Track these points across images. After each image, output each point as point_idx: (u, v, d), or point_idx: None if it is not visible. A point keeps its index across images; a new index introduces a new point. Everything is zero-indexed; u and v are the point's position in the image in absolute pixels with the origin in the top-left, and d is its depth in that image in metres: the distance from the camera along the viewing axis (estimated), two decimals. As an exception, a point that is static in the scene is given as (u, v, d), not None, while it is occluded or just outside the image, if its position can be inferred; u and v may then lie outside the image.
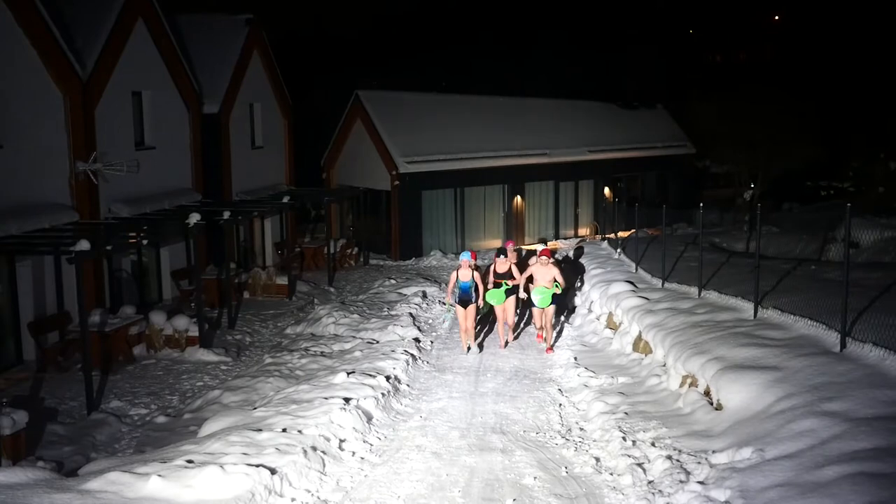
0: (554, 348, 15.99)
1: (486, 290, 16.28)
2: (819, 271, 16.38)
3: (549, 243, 31.11)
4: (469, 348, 16.07)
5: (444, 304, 16.64)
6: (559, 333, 17.29)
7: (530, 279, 15.90)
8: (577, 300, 19.70)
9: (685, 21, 60.23)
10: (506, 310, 16.23)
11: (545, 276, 15.62)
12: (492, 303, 16.30)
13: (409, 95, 35.17)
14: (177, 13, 25.74)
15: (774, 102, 34.88)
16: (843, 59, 46.64)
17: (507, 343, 16.46)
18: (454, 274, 16.11)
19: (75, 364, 16.03)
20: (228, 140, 26.34)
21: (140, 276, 21.64)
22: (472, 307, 15.92)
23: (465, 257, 16.10)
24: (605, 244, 26.43)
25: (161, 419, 13.62)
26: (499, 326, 16.53)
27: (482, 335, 17.09)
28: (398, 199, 31.43)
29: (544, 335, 16.13)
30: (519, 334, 17.26)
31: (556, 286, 15.54)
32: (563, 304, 18.52)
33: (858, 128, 41.16)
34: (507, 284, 16.11)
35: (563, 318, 18.47)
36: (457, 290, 15.97)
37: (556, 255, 18.48)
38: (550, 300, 15.60)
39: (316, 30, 51.98)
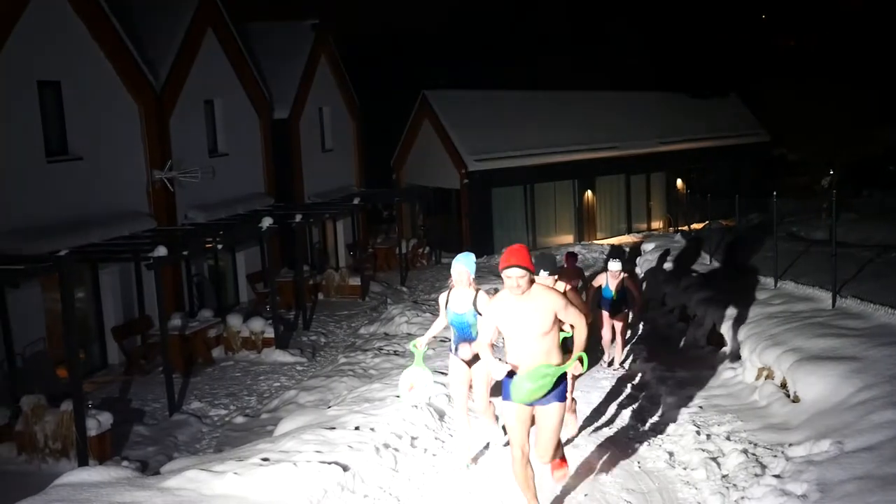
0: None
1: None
2: (901, 258, 15.91)
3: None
4: (471, 462, 8.97)
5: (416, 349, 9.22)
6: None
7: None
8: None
9: (756, 5, 58.85)
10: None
11: (536, 322, 6.89)
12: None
13: (475, 93, 35.16)
14: (244, 22, 26.27)
15: (851, 85, 33.91)
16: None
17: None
18: (442, 297, 8.72)
19: (157, 367, 16.50)
20: (299, 144, 26.78)
21: (217, 280, 22.13)
22: (479, 366, 8.57)
23: (464, 265, 8.38)
24: (678, 236, 26.04)
25: (240, 419, 13.94)
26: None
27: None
28: (468, 198, 31.47)
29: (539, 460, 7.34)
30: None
31: (579, 357, 6.77)
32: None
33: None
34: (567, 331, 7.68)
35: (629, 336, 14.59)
36: (451, 331, 8.72)
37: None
38: (551, 385, 6.87)
39: (382, 32, 52.35)
